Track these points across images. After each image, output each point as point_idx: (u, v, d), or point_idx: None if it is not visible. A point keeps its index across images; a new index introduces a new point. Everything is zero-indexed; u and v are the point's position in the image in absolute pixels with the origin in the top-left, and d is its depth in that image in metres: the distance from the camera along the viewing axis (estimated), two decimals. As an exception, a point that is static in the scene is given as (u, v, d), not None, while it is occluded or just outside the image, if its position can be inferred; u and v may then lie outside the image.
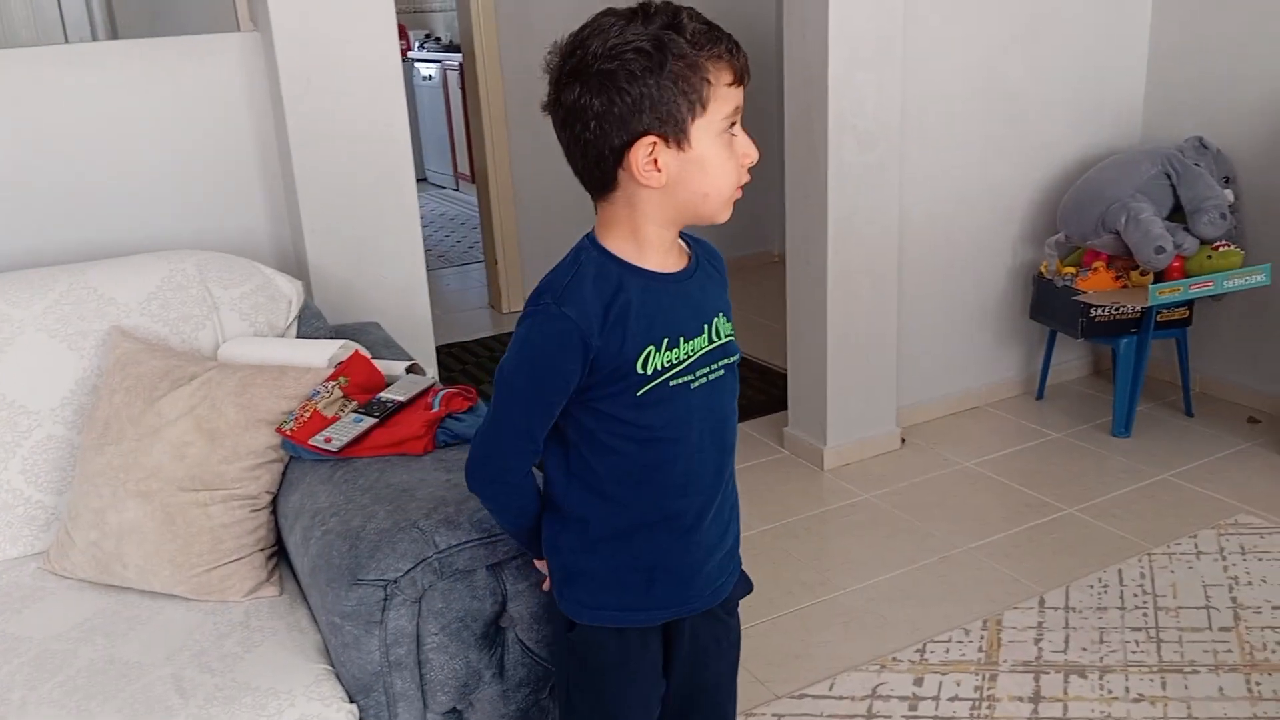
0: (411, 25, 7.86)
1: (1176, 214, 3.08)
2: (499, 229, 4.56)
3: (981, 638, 2.28)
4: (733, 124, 1.17)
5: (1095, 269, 3.13)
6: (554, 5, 4.18)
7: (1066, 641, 2.26)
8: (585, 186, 1.20)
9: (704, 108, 1.13)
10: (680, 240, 1.27)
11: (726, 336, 1.27)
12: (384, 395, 1.74)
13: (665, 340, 1.20)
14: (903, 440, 3.22)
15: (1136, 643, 2.24)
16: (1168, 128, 3.36)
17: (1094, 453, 3.12)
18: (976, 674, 2.17)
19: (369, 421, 1.68)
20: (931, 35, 3.00)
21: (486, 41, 4.31)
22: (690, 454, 1.25)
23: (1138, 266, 3.07)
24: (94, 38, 4.39)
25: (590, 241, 1.22)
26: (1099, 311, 3.06)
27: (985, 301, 3.39)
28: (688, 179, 1.16)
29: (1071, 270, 3.18)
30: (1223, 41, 3.20)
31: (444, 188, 7.68)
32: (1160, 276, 3.04)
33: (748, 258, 5.07)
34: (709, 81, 1.13)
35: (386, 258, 2.39)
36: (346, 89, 2.28)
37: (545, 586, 1.40)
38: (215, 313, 1.96)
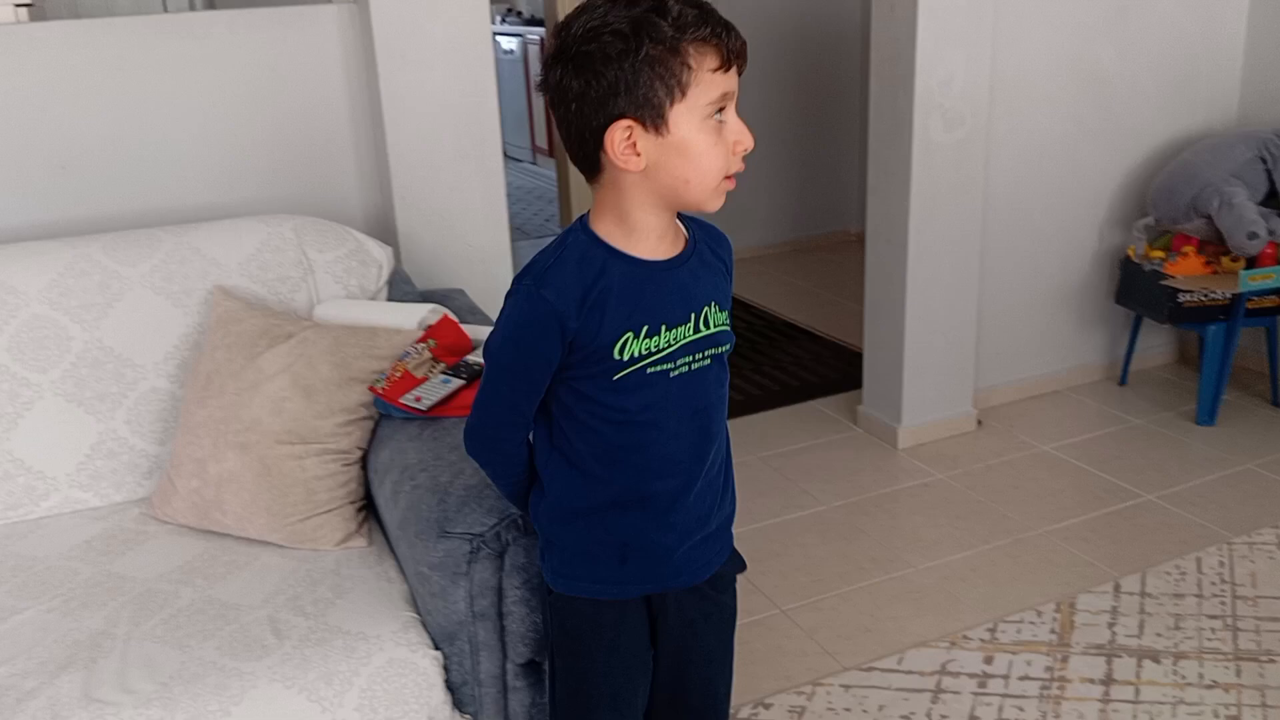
0: (494, -1, 7.94)
1: (1271, 200, 3.01)
2: (576, 202, 4.61)
3: (1054, 619, 2.28)
4: (720, 109, 1.15)
5: (1185, 253, 3.07)
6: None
7: (1141, 626, 2.24)
8: (579, 168, 1.21)
9: (683, 93, 1.11)
10: (682, 224, 1.26)
11: (717, 326, 1.26)
12: (471, 358, 1.79)
13: (645, 327, 1.19)
14: (979, 422, 3.20)
15: (1213, 630, 2.22)
16: (1265, 111, 3.28)
17: (1177, 440, 3.07)
18: (1048, 655, 2.17)
19: (457, 383, 1.73)
20: (1021, 14, 2.96)
21: (567, 13, 4.34)
22: (667, 439, 1.25)
23: (1229, 252, 3.01)
24: (191, 8, 4.53)
25: (581, 224, 1.22)
26: (1188, 297, 3.00)
27: (1069, 284, 3.34)
28: (667, 164, 1.14)
29: (1160, 254, 3.13)
30: (1327, 22, 3.10)
31: (521, 161, 7.75)
32: (1252, 263, 2.97)
33: (823, 236, 5.05)
34: (689, 66, 1.11)
35: (472, 227, 2.45)
36: (438, 62, 2.33)
37: None
38: (310, 275, 2.04)
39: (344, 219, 2.32)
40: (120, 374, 1.92)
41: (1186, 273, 3.05)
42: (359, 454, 1.80)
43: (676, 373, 1.22)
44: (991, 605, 2.35)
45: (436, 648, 1.52)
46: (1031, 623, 2.27)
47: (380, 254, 2.12)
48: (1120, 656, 2.15)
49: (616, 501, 1.26)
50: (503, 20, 7.71)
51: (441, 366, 1.78)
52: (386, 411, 1.78)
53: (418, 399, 1.72)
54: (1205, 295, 2.99)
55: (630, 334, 1.19)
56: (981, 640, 2.22)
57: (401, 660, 1.49)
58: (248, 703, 1.41)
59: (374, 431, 1.82)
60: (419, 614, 1.56)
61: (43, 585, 1.66)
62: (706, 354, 1.25)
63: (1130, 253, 3.22)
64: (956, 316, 3.05)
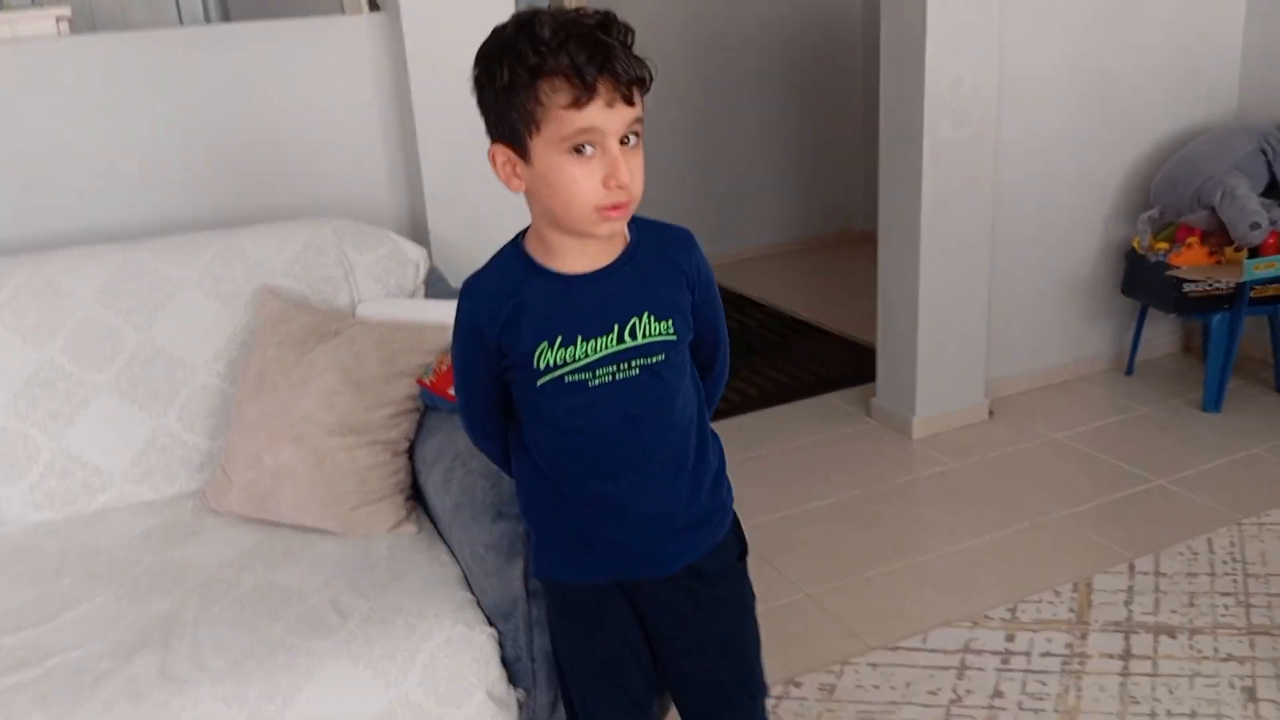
0: (519, 4, 8.02)
1: (1273, 190, 3.09)
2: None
3: (1073, 599, 2.35)
4: (581, 145, 1.12)
5: (1189, 244, 3.15)
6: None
7: (1156, 604, 2.32)
8: None
9: (538, 128, 1.12)
10: (630, 229, 1.26)
11: (649, 337, 1.23)
12: (513, 351, 1.86)
13: (559, 338, 1.22)
14: (991, 412, 3.28)
15: (1226, 607, 2.29)
16: (1265, 104, 3.36)
17: (1184, 427, 3.15)
18: (1068, 632, 2.24)
19: (501, 374, 1.80)
20: (1026, 15, 3.04)
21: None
22: (596, 445, 1.27)
23: (1232, 242, 3.09)
24: (206, 20, 4.59)
25: (515, 239, 1.28)
26: (1192, 287, 3.08)
27: (1077, 276, 3.42)
28: (538, 192, 1.17)
29: (1165, 246, 3.20)
30: (1323, 17, 3.19)
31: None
32: (1255, 253, 3.05)
33: (829, 235, 5.13)
34: (540, 103, 1.10)
35: (503, 228, 2.49)
36: (466, 68, 2.38)
37: None
38: (351, 275, 2.11)
39: (379, 221, 2.39)
40: (171, 372, 2.00)
41: (1191, 263, 3.13)
42: (407, 444, 1.87)
43: (596, 382, 1.23)
44: (1011, 586, 2.42)
45: (491, 625, 1.59)
46: (1050, 602, 2.34)
47: (416, 254, 2.19)
48: (1138, 633, 2.23)
49: (570, 497, 1.31)
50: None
51: (485, 359, 1.85)
52: (433, 403, 1.86)
53: (464, 390, 1.79)
54: (1209, 285, 3.07)
55: (545, 344, 1.22)
56: (1003, 619, 2.29)
57: (460, 638, 1.56)
58: (317, 678, 1.48)
59: (420, 423, 1.89)
60: (474, 594, 1.63)
61: (109, 574, 1.74)
62: (634, 364, 1.24)
63: (1135, 244, 3.29)
64: (968, 309, 3.13)
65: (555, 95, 1.09)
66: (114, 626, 1.58)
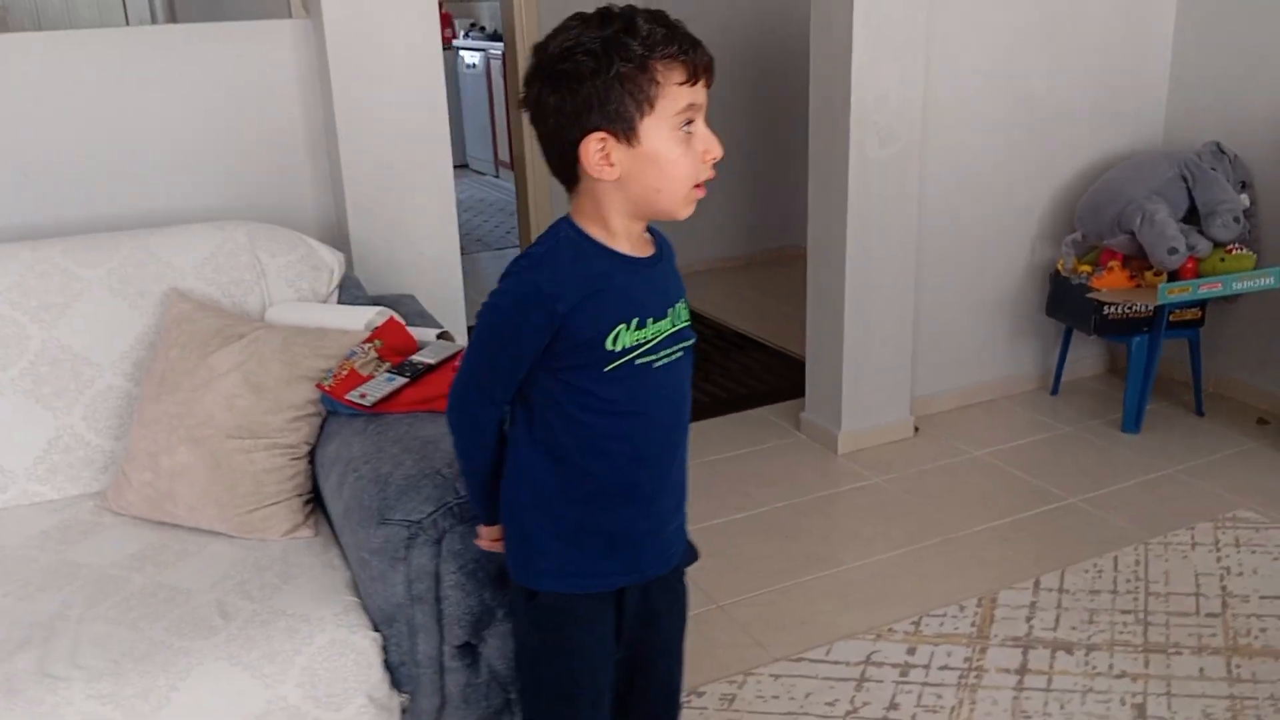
0: (457, 14, 8.04)
1: (1192, 217, 3.16)
2: (534, 214, 4.71)
3: (976, 613, 2.39)
4: (689, 121, 1.23)
5: (1110, 268, 3.21)
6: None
7: (1057, 620, 2.36)
8: (558, 179, 1.29)
9: (652, 106, 1.20)
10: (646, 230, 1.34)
11: (684, 322, 1.35)
12: (415, 358, 1.88)
13: (635, 320, 1.27)
14: (916, 429, 3.33)
15: (1124, 624, 2.34)
16: (1189, 132, 3.44)
17: (1103, 447, 3.21)
18: (967, 646, 2.28)
19: (401, 380, 1.82)
20: (953, 35, 3.10)
21: (527, 29, 4.46)
22: (649, 428, 1.33)
23: (1152, 267, 3.15)
24: (153, 20, 4.58)
25: (568, 223, 1.29)
26: (1112, 309, 3.14)
27: (1003, 297, 3.48)
28: (639, 174, 1.23)
29: (1088, 269, 3.27)
30: (1245, 48, 3.27)
31: (484, 174, 7.85)
32: (1174, 277, 3.12)
33: (776, 250, 5.17)
34: (657, 82, 1.20)
35: (423, 236, 2.54)
36: (391, 76, 2.42)
37: (484, 546, 1.47)
38: (263, 278, 2.12)
39: (299, 226, 2.40)
40: (78, 372, 2.00)
41: (1111, 286, 3.20)
42: (307, 449, 1.88)
43: (660, 364, 1.30)
44: (919, 600, 2.46)
45: (376, 630, 1.61)
46: (954, 616, 2.38)
47: (331, 259, 2.20)
48: (1035, 648, 2.27)
49: (602, 491, 1.33)
50: (466, 35, 7.81)
51: (387, 365, 1.86)
52: (333, 408, 1.87)
53: (363, 395, 1.81)
54: (1129, 308, 3.14)
55: (623, 325, 1.26)
56: (906, 632, 2.33)
57: (342, 641, 1.57)
58: (194, 678, 1.49)
59: (322, 427, 1.90)
60: (360, 598, 1.65)
61: (2, 573, 1.73)
62: (680, 347, 1.33)
63: (1060, 266, 3.36)
64: (893, 327, 3.18)
65: (670, 74, 1.20)
66: (0, 624, 1.59)
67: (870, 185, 3.00)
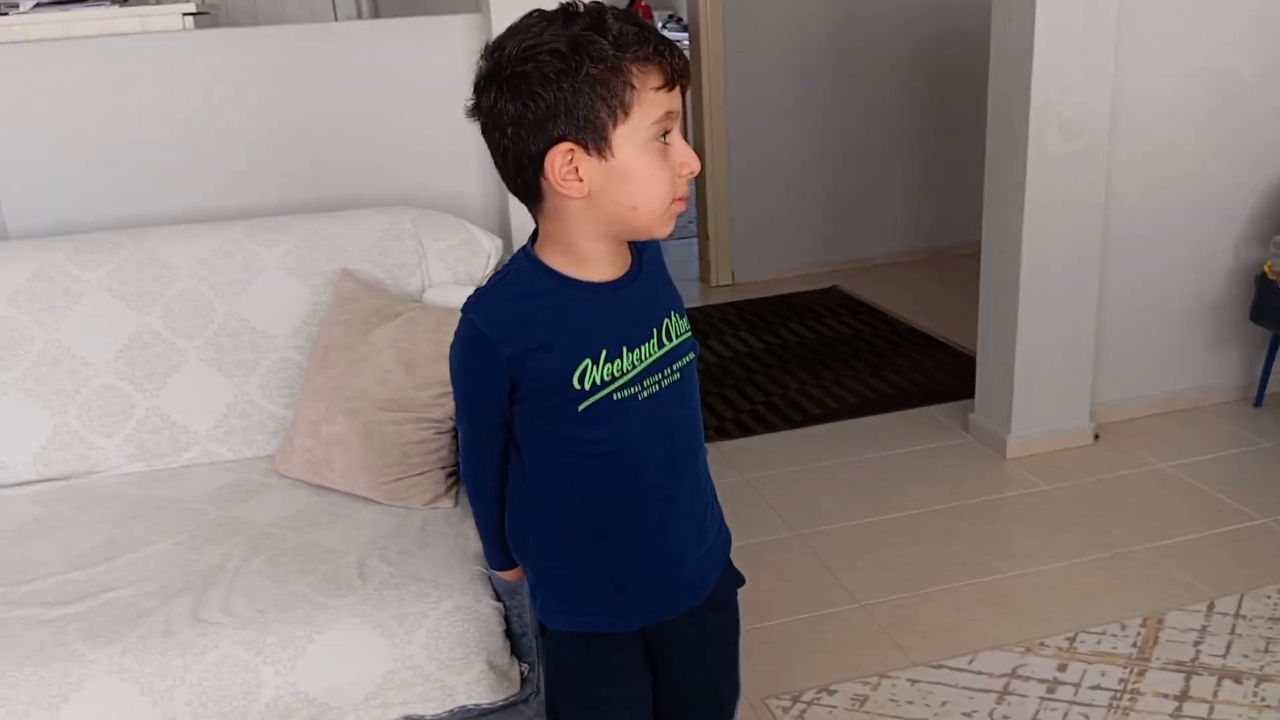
0: (657, 5, 8.14)
1: None
2: (712, 204, 4.72)
3: (1139, 634, 2.26)
4: (666, 131, 1.10)
5: (1323, 272, 2.95)
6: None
7: (1229, 647, 2.20)
8: (517, 197, 1.16)
9: (626, 114, 1.07)
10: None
11: (679, 336, 1.21)
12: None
13: (604, 351, 1.14)
14: (1096, 436, 3.15)
15: (1307, 657, 2.16)
16: None
17: (1306, 466, 2.96)
18: (1125, 667, 2.15)
19: (540, 362, 1.87)
20: (1148, 26, 2.90)
21: (711, 18, 4.47)
22: (641, 466, 1.20)
23: (1372, 272, 2.88)
24: (359, 16, 4.85)
25: (524, 252, 1.18)
26: (1322, 317, 2.89)
27: (1201, 301, 3.25)
28: (612, 190, 1.09)
29: (1297, 272, 3.01)
30: None
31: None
32: (1397, 284, 2.83)
33: (960, 245, 4.97)
34: (632, 86, 1.06)
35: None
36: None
37: (507, 578, 1.43)
38: (424, 261, 2.22)
39: (463, 211, 2.50)
40: (255, 344, 2.16)
41: (1323, 292, 2.94)
42: (451, 424, 1.97)
43: (646, 394, 1.18)
44: (1077, 615, 2.34)
45: (499, 600, 1.67)
46: (1114, 635, 2.26)
47: (489, 244, 2.29)
48: (1200, 674, 2.12)
49: (601, 534, 1.23)
50: (664, 26, 7.90)
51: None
52: (478, 387, 1.94)
53: (503, 376, 1.87)
54: (1342, 316, 2.87)
55: (589, 360, 1.14)
56: (1058, 648, 2.22)
57: (467, 608, 1.64)
58: (330, 632, 1.59)
59: (468, 405, 1.99)
60: (488, 569, 1.71)
61: (176, 523, 1.90)
62: (674, 368, 1.21)
63: (1268, 269, 3.11)
64: (1073, 329, 3.02)
65: (647, 77, 1.07)
66: (166, 570, 1.74)
67: (1050, 180, 2.86)
